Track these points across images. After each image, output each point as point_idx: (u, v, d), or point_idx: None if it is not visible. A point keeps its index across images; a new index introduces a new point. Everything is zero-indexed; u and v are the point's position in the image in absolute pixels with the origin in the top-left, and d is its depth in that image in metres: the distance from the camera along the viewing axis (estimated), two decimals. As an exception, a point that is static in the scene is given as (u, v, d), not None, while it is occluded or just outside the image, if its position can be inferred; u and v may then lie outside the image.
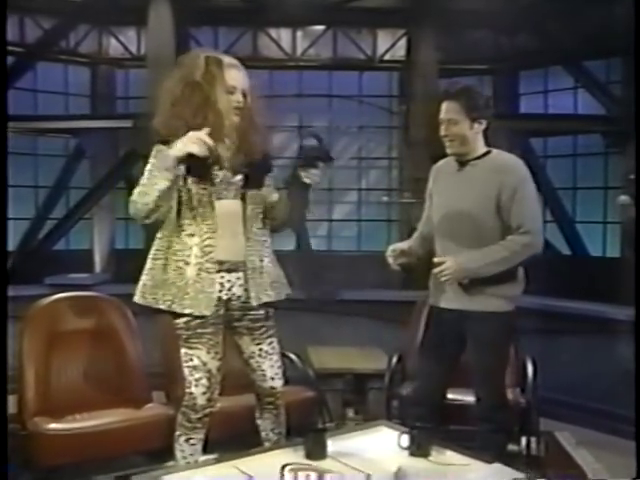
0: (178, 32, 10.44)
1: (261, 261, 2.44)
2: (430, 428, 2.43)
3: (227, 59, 2.40)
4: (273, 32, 11.58)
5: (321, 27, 11.49)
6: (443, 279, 2.56)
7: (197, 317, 2.33)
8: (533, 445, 3.00)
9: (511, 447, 2.78)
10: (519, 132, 11.21)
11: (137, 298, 2.42)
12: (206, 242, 2.33)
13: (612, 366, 4.22)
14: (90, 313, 3.25)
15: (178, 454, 2.45)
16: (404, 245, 2.87)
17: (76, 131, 10.71)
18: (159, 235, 2.42)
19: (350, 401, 3.91)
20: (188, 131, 2.28)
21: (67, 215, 10.68)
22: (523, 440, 2.94)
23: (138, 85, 11.40)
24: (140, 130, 11.23)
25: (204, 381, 2.38)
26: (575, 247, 11.30)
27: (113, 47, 11.56)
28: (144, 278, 2.40)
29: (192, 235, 2.34)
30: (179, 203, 2.34)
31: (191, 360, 2.37)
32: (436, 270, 2.56)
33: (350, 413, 3.88)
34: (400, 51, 11.38)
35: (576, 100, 11.44)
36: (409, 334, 3.64)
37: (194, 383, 2.39)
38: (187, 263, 2.31)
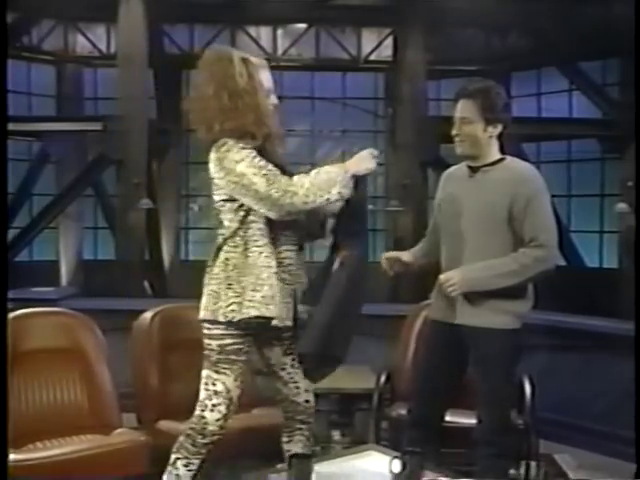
0: (151, 29, 10.41)
1: None
2: (424, 452, 2.40)
3: (258, 60, 2.45)
4: (252, 30, 11.60)
5: (303, 25, 11.53)
6: (449, 290, 2.52)
7: (235, 342, 2.34)
8: (532, 469, 2.99)
9: (510, 472, 2.76)
10: (511, 137, 11.29)
11: (259, 311, 2.29)
12: (284, 254, 2.38)
13: (612, 385, 4.21)
14: (55, 331, 3.18)
15: (169, 478, 2.41)
16: (404, 256, 2.83)
17: (40, 134, 10.63)
18: (260, 242, 2.34)
19: (336, 423, 3.87)
20: (257, 136, 2.33)
21: (30, 224, 10.56)
22: (522, 464, 2.92)
23: (108, 85, 11.34)
24: (111, 134, 11.22)
25: (222, 407, 2.36)
26: (570, 258, 11.39)
27: (80, 44, 11.50)
28: (264, 289, 2.29)
29: (269, 244, 2.35)
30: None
31: (214, 385, 2.35)
32: (441, 281, 2.52)
33: (336, 436, 3.83)
34: (386, 51, 11.45)
35: (571, 103, 11.58)
36: (399, 350, 3.61)
37: (210, 408, 2.36)
38: (275, 273, 2.33)
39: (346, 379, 3.99)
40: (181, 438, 2.42)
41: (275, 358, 2.49)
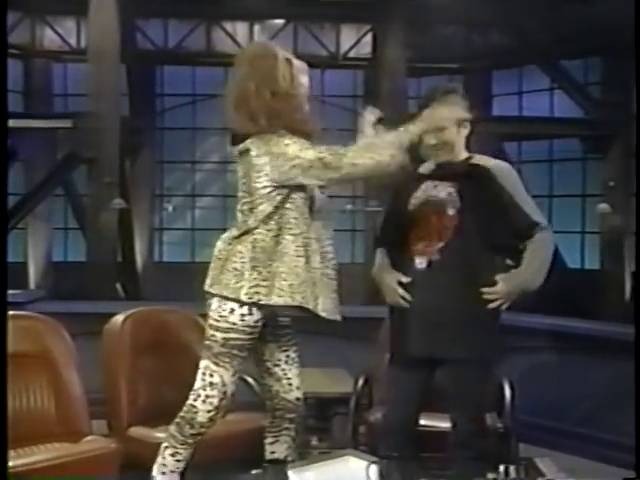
0: (123, 24, 10.35)
1: None
2: (401, 457, 2.41)
3: (300, 63, 2.50)
4: (228, 26, 11.58)
5: (280, 21, 11.53)
6: (499, 303, 2.55)
7: (240, 338, 2.37)
8: (512, 473, 3.02)
9: (488, 475, 2.79)
10: (492, 136, 11.42)
11: (281, 300, 2.33)
12: (326, 248, 2.43)
13: (593, 387, 4.27)
14: (22, 335, 3.14)
15: (158, 468, 2.44)
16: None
17: (7, 131, 10.50)
18: (295, 231, 2.38)
19: (313, 428, 3.87)
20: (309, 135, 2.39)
21: (-3, 224, 10.45)
22: (501, 468, 2.95)
23: (78, 81, 11.25)
24: (81, 131, 11.13)
25: (215, 400, 2.40)
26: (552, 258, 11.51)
27: (49, 38, 11.40)
28: (290, 278, 2.34)
29: (310, 238, 2.40)
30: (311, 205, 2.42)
31: (211, 376, 2.38)
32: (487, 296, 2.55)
33: (313, 441, 3.84)
34: (365, 48, 11.50)
35: (552, 102, 11.71)
36: (376, 353, 3.63)
37: (203, 398, 2.39)
38: (315, 268, 2.38)
39: (323, 383, 4.00)
40: (171, 427, 2.44)
41: (269, 353, 2.51)
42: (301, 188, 2.38)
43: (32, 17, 11.00)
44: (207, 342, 2.39)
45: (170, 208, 13.74)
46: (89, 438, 3.00)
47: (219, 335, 2.37)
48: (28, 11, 10.74)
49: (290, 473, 2.38)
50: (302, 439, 3.80)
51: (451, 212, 2.58)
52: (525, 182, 2.75)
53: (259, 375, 2.59)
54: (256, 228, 2.38)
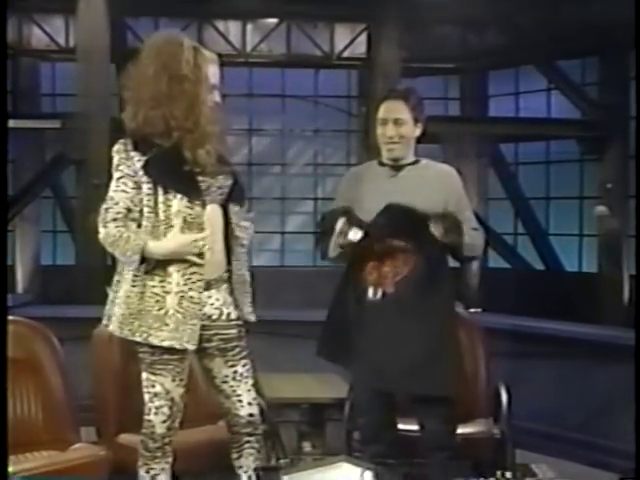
0: (113, 22, 10.35)
1: (247, 275, 2.49)
2: (395, 463, 2.43)
3: (209, 53, 2.46)
4: (220, 25, 11.57)
5: (274, 20, 11.54)
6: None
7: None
8: (508, 479, 3.03)
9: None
10: (488, 137, 11.45)
11: (114, 328, 2.39)
12: (190, 269, 2.34)
13: (591, 392, 4.29)
14: (9, 340, 3.15)
15: None
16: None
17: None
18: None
19: (307, 434, 3.88)
20: (173, 131, 2.32)
21: (-16, 227, 10.42)
22: (498, 474, 2.97)
23: (66, 81, 11.24)
24: (70, 132, 11.09)
25: (165, 409, 2.40)
26: (549, 262, 11.54)
27: (36, 37, 11.35)
28: (122, 307, 2.36)
29: (171, 261, 2.35)
30: (156, 221, 2.34)
31: (153, 387, 2.39)
32: None
33: (307, 447, 3.85)
34: (360, 48, 11.50)
35: (549, 103, 11.74)
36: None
37: (154, 411, 2.41)
38: (167, 292, 2.33)
39: (317, 388, 4.01)
40: (138, 446, 2.47)
41: (216, 370, 2.49)
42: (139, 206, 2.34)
43: (19, 15, 10.96)
44: (139, 355, 2.41)
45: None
46: (77, 445, 3.00)
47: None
48: (15, 9, 10.70)
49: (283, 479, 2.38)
50: (295, 445, 3.81)
51: (405, 240, 2.61)
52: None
53: (212, 391, 2.57)
54: None
